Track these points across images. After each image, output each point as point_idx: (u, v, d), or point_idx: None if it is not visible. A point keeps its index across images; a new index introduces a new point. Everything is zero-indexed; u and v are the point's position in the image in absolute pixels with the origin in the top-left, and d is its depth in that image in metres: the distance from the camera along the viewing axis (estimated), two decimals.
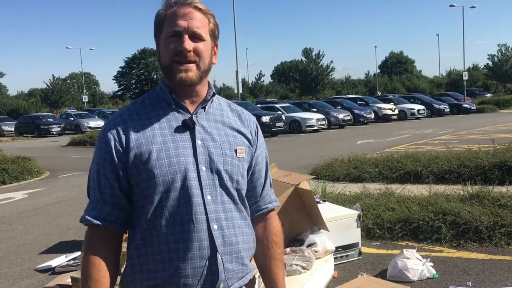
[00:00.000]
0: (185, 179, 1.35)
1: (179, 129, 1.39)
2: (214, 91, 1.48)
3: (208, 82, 1.48)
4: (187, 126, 1.39)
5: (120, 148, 1.37)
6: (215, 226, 1.36)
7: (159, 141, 1.36)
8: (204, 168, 1.37)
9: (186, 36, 1.36)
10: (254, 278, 1.54)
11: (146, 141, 1.36)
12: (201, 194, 1.35)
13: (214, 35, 1.44)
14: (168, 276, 1.34)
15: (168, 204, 1.34)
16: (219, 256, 1.35)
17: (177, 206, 1.34)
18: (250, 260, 1.51)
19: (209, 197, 1.37)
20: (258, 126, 1.57)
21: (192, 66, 1.38)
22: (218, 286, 1.37)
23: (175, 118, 1.41)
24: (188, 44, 1.36)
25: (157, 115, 1.41)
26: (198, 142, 1.39)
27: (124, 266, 1.44)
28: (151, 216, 1.35)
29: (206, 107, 1.45)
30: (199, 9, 1.39)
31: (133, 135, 1.37)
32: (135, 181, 1.36)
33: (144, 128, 1.38)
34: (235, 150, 1.43)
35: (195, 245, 1.33)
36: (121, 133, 1.38)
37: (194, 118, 1.41)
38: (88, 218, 1.37)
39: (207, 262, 1.35)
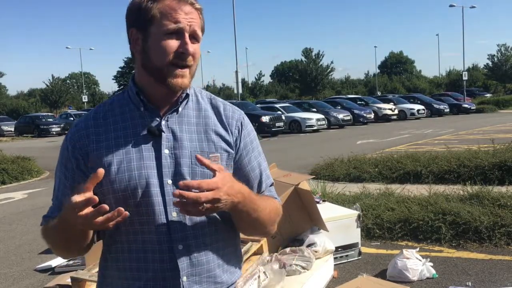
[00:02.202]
0: (145, 195, 1.23)
1: (144, 138, 1.26)
2: (188, 90, 1.32)
3: None
4: (153, 134, 1.26)
5: (81, 157, 1.27)
6: (180, 247, 1.25)
7: (122, 151, 1.25)
8: (169, 182, 1.25)
9: (187, 36, 1.24)
10: None
11: (108, 151, 1.25)
12: (164, 211, 1.24)
13: (203, 33, 1.32)
14: None
15: (129, 220, 1.20)
16: (182, 280, 1.25)
17: (138, 223, 1.25)
18: (240, 268, 1.43)
19: (174, 214, 1.24)
20: (244, 123, 1.38)
21: (187, 71, 1.27)
22: None
23: (143, 123, 1.28)
24: (191, 46, 1.25)
25: (123, 120, 1.29)
26: (166, 151, 1.26)
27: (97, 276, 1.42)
28: (112, 232, 1.27)
29: (180, 109, 1.31)
30: (197, 9, 1.28)
31: (94, 144, 1.27)
32: (98, 192, 1.22)
33: (107, 135, 1.27)
34: (208, 159, 1.27)
35: (156, 266, 1.25)
36: (83, 141, 1.28)
37: (163, 123, 1.28)
38: (44, 219, 1.34)
39: (169, 284, 1.26)
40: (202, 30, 1.31)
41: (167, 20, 1.23)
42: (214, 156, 1.29)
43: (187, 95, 1.33)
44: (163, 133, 1.27)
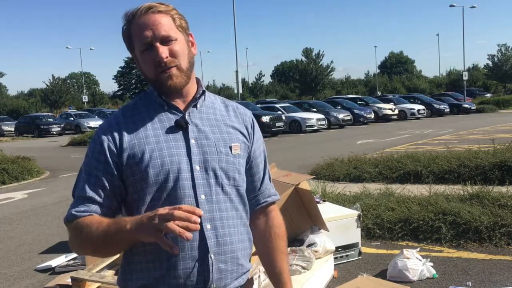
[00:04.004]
0: (177, 179, 1.34)
1: (172, 129, 1.39)
2: (203, 88, 1.47)
3: (198, 79, 1.47)
4: (180, 126, 1.39)
5: (114, 149, 1.36)
6: (208, 226, 1.35)
7: (152, 141, 1.36)
8: (198, 168, 1.37)
9: (158, 44, 1.35)
10: (251, 279, 1.52)
11: (139, 141, 1.36)
12: (194, 194, 1.35)
13: (184, 28, 1.42)
14: (160, 276, 1.34)
15: (160, 204, 1.33)
16: (211, 257, 1.35)
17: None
18: (250, 260, 1.50)
19: (203, 196, 1.36)
20: (254, 120, 1.56)
21: (174, 70, 1.37)
22: (209, 287, 1.35)
23: (168, 119, 1.40)
24: (163, 51, 1.35)
25: (149, 117, 1.41)
26: (192, 141, 1.39)
27: (120, 264, 1.45)
28: None
29: (198, 105, 1.44)
30: (159, 12, 1.37)
31: (126, 136, 1.37)
32: (130, 182, 1.36)
33: (137, 129, 1.38)
34: (230, 147, 1.43)
35: (187, 245, 1.32)
36: (115, 134, 1.37)
37: (186, 117, 1.41)
38: (75, 213, 1.34)
39: (198, 262, 1.34)
40: (179, 26, 1.41)
41: (137, 41, 1.38)
42: (235, 145, 1.44)
43: (204, 92, 1.47)
44: (189, 125, 1.40)
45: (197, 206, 1.34)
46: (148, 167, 1.33)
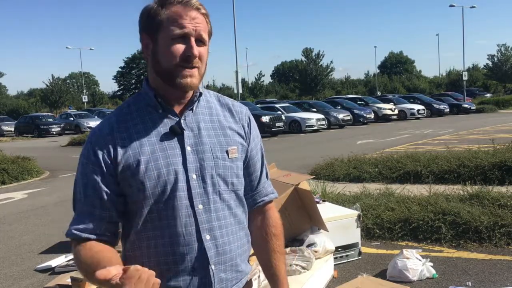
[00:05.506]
0: (174, 190, 1.30)
1: (167, 136, 1.33)
2: (200, 90, 1.40)
3: None
4: (175, 132, 1.34)
5: (109, 160, 1.31)
6: (208, 237, 1.32)
7: (147, 151, 1.31)
8: (194, 176, 1.33)
9: (193, 40, 1.31)
10: (250, 281, 1.51)
11: (134, 152, 1.31)
12: (191, 204, 1.31)
13: (211, 36, 1.40)
14: None
15: (157, 216, 1.30)
16: (211, 267, 1.33)
17: (166, 218, 1.30)
18: (249, 261, 1.49)
19: (200, 206, 1.32)
20: (251, 118, 1.50)
21: (195, 72, 1.33)
22: None
23: (163, 124, 1.35)
24: (196, 49, 1.31)
25: (143, 122, 1.35)
26: (188, 148, 1.34)
27: None
28: (140, 228, 1.32)
29: (194, 108, 1.39)
30: (202, 13, 1.34)
31: (120, 147, 1.31)
32: (127, 193, 1.32)
33: (131, 138, 1.32)
34: (227, 151, 1.38)
35: (186, 258, 1.31)
36: (109, 144, 1.32)
37: (182, 122, 1.35)
38: (75, 232, 1.30)
39: (199, 274, 1.32)
40: (209, 34, 1.38)
41: (174, 26, 1.30)
42: (232, 149, 1.40)
43: (201, 94, 1.41)
44: (184, 131, 1.35)
45: (195, 216, 1.31)
46: (145, 179, 1.29)
